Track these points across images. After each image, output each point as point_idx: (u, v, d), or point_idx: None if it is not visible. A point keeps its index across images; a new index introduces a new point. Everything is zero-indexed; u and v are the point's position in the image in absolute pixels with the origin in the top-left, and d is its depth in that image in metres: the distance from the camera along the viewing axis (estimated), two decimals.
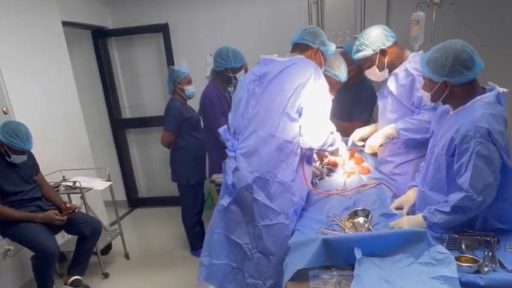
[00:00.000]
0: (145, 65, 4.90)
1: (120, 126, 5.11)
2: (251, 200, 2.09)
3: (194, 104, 3.67)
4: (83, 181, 3.45)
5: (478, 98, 1.72)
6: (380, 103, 2.58)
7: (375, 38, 2.34)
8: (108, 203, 4.19)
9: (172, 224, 4.42)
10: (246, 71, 3.31)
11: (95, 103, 4.92)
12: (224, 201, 2.19)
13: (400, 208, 2.05)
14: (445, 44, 1.74)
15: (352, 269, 1.53)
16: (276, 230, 2.07)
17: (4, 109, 3.15)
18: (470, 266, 1.48)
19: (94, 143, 4.45)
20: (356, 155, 2.71)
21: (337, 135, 2.31)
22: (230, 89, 3.42)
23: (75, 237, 3.32)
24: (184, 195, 3.77)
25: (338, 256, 1.62)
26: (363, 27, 3.46)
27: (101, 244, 3.59)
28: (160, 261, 3.87)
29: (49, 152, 3.54)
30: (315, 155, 2.57)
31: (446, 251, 1.52)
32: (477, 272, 1.47)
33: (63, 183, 3.46)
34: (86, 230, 3.21)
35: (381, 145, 2.48)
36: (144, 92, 5.01)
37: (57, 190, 3.40)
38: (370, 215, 1.97)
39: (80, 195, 3.44)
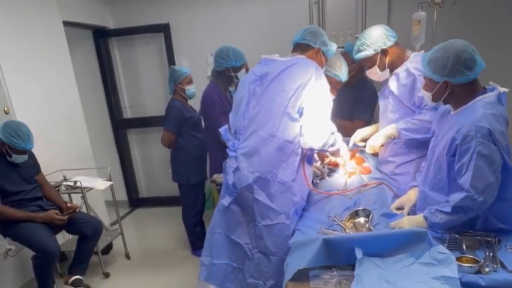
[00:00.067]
0: (147, 65, 4.90)
1: (121, 126, 5.11)
2: (252, 200, 2.08)
3: (195, 104, 3.67)
4: (84, 181, 3.46)
5: (479, 98, 1.72)
6: (381, 103, 2.57)
7: (376, 37, 2.34)
8: (109, 203, 4.19)
9: (173, 224, 4.42)
10: (247, 71, 3.31)
11: (96, 103, 4.92)
12: (225, 201, 2.19)
13: (400, 208, 2.05)
14: (446, 43, 1.74)
15: (353, 269, 1.53)
16: (277, 230, 2.07)
17: (5, 109, 3.15)
18: (471, 266, 1.47)
19: (95, 143, 4.45)
20: (357, 155, 2.71)
21: (338, 136, 2.30)
22: (231, 88, 3.42)
23: (76, 237, 3.33)
24: (185, 195, 3.77)
25: (339, 256, 1.62)
26: (364, 27, 3.45)
27: (101, 244, 3.60)
28: (161, 261, 3.87)
29: (50, 152, 3.54)
30: (315, 155, 2.56)
31: (447, 251, 1.52)
32: (478, 272, 1.46)
33: (64, 183, 3.46)
34: (86, 230, 3.21)
35: (382, 145, 2.47)
36: (145, 92, 5.01)
37: (58, 190, 3.40)
38: (371, 215, 1.96)
39: (81, 195, 3.45)
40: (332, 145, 2.22)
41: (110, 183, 3.67)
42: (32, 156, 3.12)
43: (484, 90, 1.76)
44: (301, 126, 2.11)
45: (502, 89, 1.73)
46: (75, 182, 3.43)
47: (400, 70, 2.36)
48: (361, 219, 1.96)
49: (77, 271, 3.27)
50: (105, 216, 4.31)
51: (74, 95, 4.05)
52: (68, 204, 3.21)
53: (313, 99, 2.09)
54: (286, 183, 2.09)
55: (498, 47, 3.73)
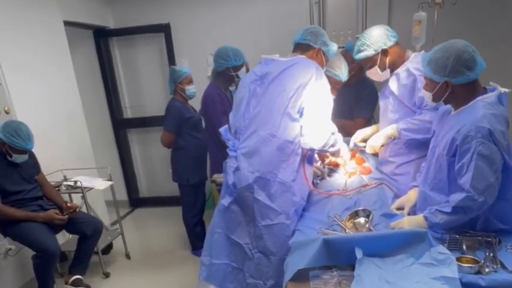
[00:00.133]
0: (147, 65, 4.90)
1: (122, 126, 5.11)
2: (252, 199, 2.08)
3: (196, 104, 3.67)
4: (84, 181, 3.46)
5: (479, 98, 1.72)
6: (381, 103, 2.57)
7: (377, 38, 2.33)
8: (109, 203, 4.19)
9: (173, 224, 4.42)
10: (247, 71, 3.31)
11: (97, 103, 4.93)
12: (225, 201, 2.19)
13: (401, 208, 2.04)
14: (446, 44, 1.74)
15: (353, 269, 1.53)
16: (277, 230, 2.07)
17: (6, 109, 3.16)
18: (471, 267, 1.47)
19: (95, 143, 4.46)
20: (357, 155, 2.71)
21: (339, 136, 2.30)
22: (232, 88, 3.42)
23: (76, 236, 3.33)
24: (185, 195, 3.77)
25: (339, 256, 1.61)
26: (365, 27, 3.45)
27: (101, 244, 3.60)
28: (161, 261, 3.87)
29: (50, 152, 3.54)
30: (316, 155, 2.56)
31: (447, 251, 1.51)
32: (478, 272, 1.46)
33: (65, 183, 3.46)
34: (86, 230, 3.21)
35: (382, 145, 2.47)
36: (145, 92, 5.02)
37: (59, 190, 3.40)
38: (371, 215, 1.96)
39: (81, 194, 3.45)
40: (332, 145, 2.22)
41: (110, 183, 3.67)
42: (32, 156, 3.12)
43: (485, 91, 1.76)
44: (301, 127, 2.11)
45: (503, 89, 1.73)
46: (75, 182, 3.44)
47: (401, 70, 2.36)
48: (361, 220, 1.96)
49: (77, 271, 3.27)
50: (105, 216, 4.31)
51: (75, 94, 4.06)
52: (68, 204, 3.22)
53: (314, 99, 2.09)
54: (286, 183, 2.09)
55: (498, 47, 3.73)
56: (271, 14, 4.32)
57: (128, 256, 3.95)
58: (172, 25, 4.57)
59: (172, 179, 3.76)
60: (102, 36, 4.76)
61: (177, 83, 3.54)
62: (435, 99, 1.82)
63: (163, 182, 5.11)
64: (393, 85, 2.39)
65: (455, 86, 1.72)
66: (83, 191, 3.41)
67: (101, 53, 4.79)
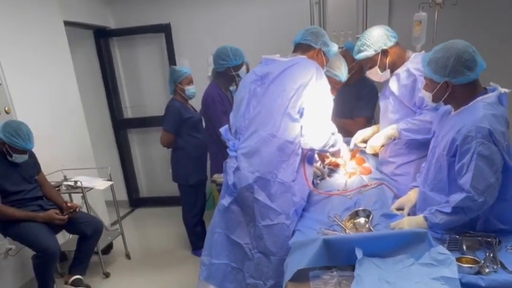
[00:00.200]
0: (147, 65, 4.90)
1: (122, 126, 5.12)
2: (252, 200, 2.08)
3: (197, 104, 3.67)
4: (84, 181, 3.46)
5: (479, 98, 1.71)
6: (382, 103, 2.57)
7: (377, 38, 2.33)
8: (109, 203, 4.19)
9: (173, 224, 4.42)
10: (247, 71, 3.31)
11: (97, 103, 4.93)
12: (225, 201, 2.19)
13: (401, 209, 2.04)
14: (446, 44, 1.74)
15: (353, 269, 1.53)
16: (277, 230, 2.07)
17: (6, 108, 3.16)
18: (471, 267, 1.47)
19: (96, 143, 4.46)
20: (357, 155, 2.71)
21: (339, 136, 2.30)
22: (232, 88, 3.42)
23: (76, 236, 3.33)
24: (185, 195, 3.77)
25: (339, 256, 1.61)
26: (365, 27, 3.46)
27: (101, 244, 3.60)
28: (161, 261, 3.87)
29: (50, 152, 3.54)
30: (316, 156, 2.56)
31: (447, 251, 1.51)
32: (478, 273, 1.46)
33: (65, 183, 3.46)
34: (87, 230, 3.21)
35: (383, 145, 2.47)
36: (146, 92, 5.02)
37: (59, 190, 3.40)
38: (371, 216, 1.96)
39: (81, 194, 3.45)
40: (332, 146, 2.22)
41: (110, 183, 3.67)
42: (32, 156, 3.12)
43: (485, 91, 1.76)
44: (301, 127, 2.11)
45: (503, 90, 1.72)
46: (75, 182, 3.44)
47: (401, 70, 2.36)
48: (361, 220, 1.96)
49: (77, 271, 3.27)
50: (105, 216, 4.31)
51: (75, 94, 4.06)
52: (68, 204, 3.22)
53: (314, 99, 2.09)
54: (286, 184, 2.09)
55: (499, 48, 3.73)
56: (272, 14, 4.32)
57: (128, 256, 3.95)
58: (172, 25, 4.57)
59: (172, 179, 3.76)
60: (102, 36, 4.76)
61: (177, 83, 3.54)
62: (435, 99, 1.82)
63: (163, 182, 5.11)
64: (393, 85, 2.39)
65: (455, 86, 1.72)
66: (83, 191, 3.41)
67: (101, 53, 4.79)
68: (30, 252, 3.01)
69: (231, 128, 2.33)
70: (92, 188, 3.50)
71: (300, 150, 2.14)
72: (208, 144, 3.54)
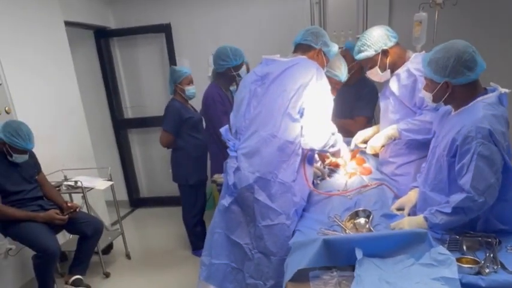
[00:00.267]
0: (148, 65, 4.90)
1: (122, 126, 5.12)
2: (252, 200, 2.08)
3: (197, 104, 3.67)
4: (85, 181, 3.46)
5: (479, 98, 1.71)
6: (382, 104, 2.57)
7: (377, 38, 2.33)
8: (109, 203, 4.19)
9: (174, 224, 4.42)
10: (248, 71, 3.31)
11: (97, 103, 4.93)
12: (225, 201, 2.19)
13: (401, 209, 2.04)
14: (446, 44, 1.74)
15: (353, 269, 1.53)
16: (277, 231, 2.07)
17: (6, 108, 3.16)
18: (471, 267, 1.47)
19: (96, 143, 4.46)
20: (357, 155, 2.71)
21: (339, 136, 2.30)
22: (232, 88, 3.42)
23: (77, 236, 3.33)
24: (185, 196, 3.77)
25: (339, 257, 1.61)
26: (365, 27, 3.46)
27: (102, 244, 3.60)
28: (161, 261, 3.87)
29: (51, 152, 3.55)
30: (316, 156, 2.56)
31: (447, 252, 1.51)
32: (478, 273, 1.46)
33: (65, 183, 3.46)
34: (87, 230, 3.21)
35: (383, 146, 2.47)
36: (146, 92, 5.02)
37: (59, 190, 3.40)
38: (371, 216, 1.96)
39: (82, 194, 3.45)
40: (333, 146, 2.22)
41: (110, 183, 3.67)
42: (32, 156, 3.12)
43: (485, 91, 1.75)
44: (301, 127, 2.11)
45: (503, 90, 1.72)
46: (75, 182, 3.44)
47: (401, 71, 2.36)
48: (362, 220, 1.96)
49: (78, 271, 3.27)
50: (105, 216, 4.31)
51: (75, 95, 4.06)
52: (69, 204, 3.22)
53: (314, 99, 2.09)
54: (286, 184, 2.09)
55: (499, 48, 3.73)
56: (272, 15, 4.32)
57: (128, 256, 3.95)
58: (173, 25, 4.58)
59: (172, 179, 3.76)
60: (102, 37, 4.77)
61: (177, 83, 3.54)
62: (435, 99, 1.82)
63: (163, 182, 5.11)
64: (394, 85, 2.39)
65: (455, 86, 1.72)
66: (84, 191, 3.41)
67: (101, 53, 4.80)
68: (30, 252, 3.01)
69: (231, 128, 2.33)
70: (92, 188, 3.50)
71: (300, 151, 2.14)
72: (209, 144, 3.54)
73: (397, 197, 2.20)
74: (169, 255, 3.98)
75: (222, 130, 2.26)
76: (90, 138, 4.27)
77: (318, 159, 2.67)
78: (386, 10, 3.93)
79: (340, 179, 2.56)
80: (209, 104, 3.34)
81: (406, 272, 1.51)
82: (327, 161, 2.72)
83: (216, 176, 3.07)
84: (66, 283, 3.24)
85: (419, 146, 2.31)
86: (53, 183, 3.36)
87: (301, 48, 2.32)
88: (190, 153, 3.61)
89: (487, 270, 1.46)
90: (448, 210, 1.65)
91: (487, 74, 1.75)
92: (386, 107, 2.51)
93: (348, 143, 2.62)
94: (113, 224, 4.46)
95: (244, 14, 4.40)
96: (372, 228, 1.89)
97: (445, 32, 3.04)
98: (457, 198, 1.63)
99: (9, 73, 3.18)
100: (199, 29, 4.54)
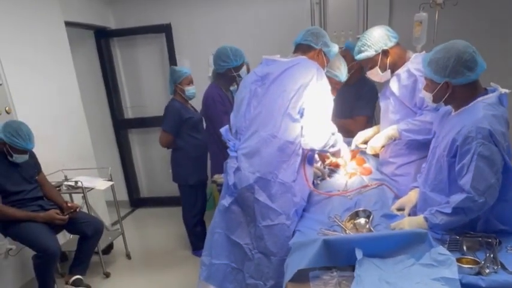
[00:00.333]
0: (148, 66, 4.91)
1: (123, 126, 5.12)
2: (252, 200, 2.08)
3: (197, 104, 3.66)
4: (85, 181, 3.46)
5: (480, 99, 1.71)
6: (382, 104, 2.57)
7: (377, 38, 2.33)
8: (109, 203, 4.19)
9: (174, 224, 4.42)
10: (248, 71, 3.31)
11: (98, 103, 4.93)
12: (225, 201, 2.19)
13: (401, 209, 2.04)
14: (447, 44, 1.74)
15: (353, 269, 1.53)
16: (277, 231, 2.07)
17: (7, 109, 3.16)
18: (471, 268, 1.47)
19: (96, 143, 4.46)
20: (358, 156, 2.71)
21: (339, 136, 2.30)
22: (233, 88, 3.42)
23: (77, 236, 3.33)
24: (184, 196, 3.77)
25: (339, 257, 1.61)
26: (366, 27, 3.45)
27: (102, 244, 3.60)
28: (161, 261, 3.87)
29: (51, 152, 3.55)
30: (316, 156, 2.56)
31: (447, 252, 1.51)
32: (478, 273, 1.46)
33: (65, 183, 3.46)
34: (87, 230, 3.21)
35: (383, 146, 2.47)
36: (146, 92, 5.02)
37: (59, 190, 3.40)
38: (371, 216, 1.96)
39: (82, 195, 3.45)
40: (333, 146, 2.22)
41: (110, 183, 3.68)
42: (32, 156, 3.13)
43: (485, 91, 1.75)
44: (302, 127, 2.11)
45: (503, 90, 1.72)
46: (76, 182, 3.44)
47: (401, 71, 2.36)
48: (362, 220, 1.96)
49: (78, 271, 3.27)
50: (105, 216, 4.32)
51: (76, 95, 4.06)
52: (69, 204, 3.22)
53: (314, 99, 2.09)
54: (287, 184, 2.09)
55: (499, 48, 3.73)
56: (272, 15, 4.32)
57: (128, 256, 3.95)
58: (173, 25, 4.58)
59: (172, 179, 3.77)
60: (103, 37, 4.77)
61: (176, 83, 3.54)
62: (435, 100, 1.82)
63: (163, 182, 5.11)
64: (394, 86, 2.39)
65: (455, 86, 1.72)
66: (84, 191, 3.41)
67: (101, 53, 4.80)
68: (30, 252, 3.01)
69: (232, 128, 2.33)
70: (92, 188, 3.50)
71: (300, 151, 2.14)
72: (209, 144, 3.54)
73: (397, 197, 2.20)
74: (170, 255, 3.98)
75: (222, 130, 2.25)
76: (90, 138, 4.27)
77: (318, 159, 2.67)
78: (387, 10, 3.93)
79: (340, 179, 2.56)
80: (209, 104, 3.34)
81: (406, 272, 1.51)
82: (327, 161, 2.72)
83: (216, 176, 3.07)
84: (67, 283, 3.24)
85: (420, 147, 2.31)
86: (53, 183, 3.36)
87: (301, 48, 2.32)
88: (190, 154, 3.61)
89: (487, 271, 1.46)
90: (448, 210, 1.65)
91: (487, 74, 1.75)
92: (386, 107, 2.51)
93: (349, 143, 2.62)
94: (113, 224, 4.46)
95: (244, 14, 4.40)
96: (372, 229, 1.89)
97: (445, 32, 3.04)
98: (457, 198, 1.63)
99: (10, 73, 3.18)
100: (200, 29, 4.54)
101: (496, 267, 1.48)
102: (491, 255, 1.55)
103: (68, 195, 3.56)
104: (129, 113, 5.14)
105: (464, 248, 1.62)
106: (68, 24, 3.96)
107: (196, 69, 4.25)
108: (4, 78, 3.14)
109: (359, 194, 2.28)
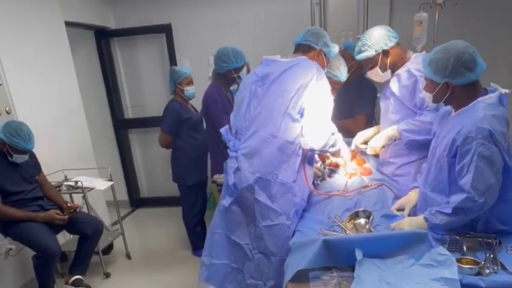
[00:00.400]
0: (148, 66, 4.91)
1: (123, 126, 5.12)
2: (252, 200, 2.08)
3: (197, 104, 3.66)
4: (85, 181, 3.46)
5: (480, 99, 1.71)
6: (382, 104, 2.57)
7: (378, 38, 2.33)
8: (109, 203, 4.19)
9: (174, 224, 4.42)
10: (248, 71, 3.31)
11: (98, 103, 4.93)
12: (225, 201, 2.19)
13: (401, 209, 2.04)
14: (447, 45, 1.74)
15: (353, 270, 1.53)
16: (277, 231, 2.07)
17: (7, 109, 3.16)
18: (471, 268, 1.47)
19: (96, 143, 4.46)
20: (358, 156, 2.71)
21: (339, 136, 2.30)
22: (233, 88, 3.42)
23: (77, 237, 3.33)
24: (184, 196, 3.77)
25: (339, 257, 1.61)
26: (366, 27, 3.45)
27: (102, 244, 3.60)
28: (161, 261, 3.87)
29: (51, 152, 3.55)
30: (316, 156, 2.56)
31: (447, 252, 1.51)
32: (478, 273, 1.46)
33: (65, 183, 3.46)
34: (87, 230, 3.21)
35: (383, 146, 2.47)
36: (146, 92, 5.02)
37: (59, 190, 3.40)
38: (371, 216, 1.96)
39: (82, 195, 3.45)
40: (333, 146, 2.22)
41: (110, 183, 3.67)
42: (32, 156, 3.12)
43: (485, 92, 1.75)
44: (302, 127, 2.11)
45: (503, 90, 1.72)
46: (76, 182, 3.44)
47: (402, 71, 2.36)
48: (362, 220, 1.96)
49: (78, 271, 3.27)
50: (106, 216, 4.31)
51: (76, 95, 4.06)
52: (69, 204, 3.22)
53: (314, 100, 2.09)
54: (287, 184, 2.09)
55: (499, 48, 3.73)
56: (273, 15, 4.32)
57: (128, 256, 3.95)
58: (173, 25, 4.58)
59: (172, 179, 3.77)
60: (103, 37, 4.77)
61: (176, 83, 3.54)
62: (435, 100, 1.82)
63: (163, 182, 5.11)
64: (394, 86, 2.39)
65: (455, 87, 1.72)
66: (84, 191, 3.41)
67: (102, 53, 4.80)
68: (30, 253, 3.01)
69: (232, 128, 2.33)
70: (92, 188, 3.50)
71: (300, 151, 2.14)
72: (209, 144, 3.54)
73: (397, 197, 2.20)
74: (170, 255, 3.98)
75: (222, 130, 2.25)
76: (90, 138, 4.27)
77: (318, 159, 2.67)
78: (387, 10, 3.93)
79: (340, 180, 2.55)
80: (209, 104, 3.34)
81: (406, 272, 1.51)
82: (327, 162, 2.72)
83: (216, 177, 3.07)
84: (67, 283, 3.24)
85: (420, 147, 2.31)
86: (53, 184, 3.36)
87: (301, 48, 2.32)
88: (189, 154, 3.61)
89: (487, 271, 1.46)
90: (448, 210, 1.65)
91: (487, 74, 1.75)
92: (386, 107, 2.51)
93: (349, 143, 2.62)
94: (113, 224, 4.46)
95: (244, 14, 4.40)
96: (372, 229, 1.89)
97: (445, 33, 3.04)
98: (457, 198, 1.63)
99: (10, 73, 3.18)
100: (200, 29, 4.54)
101: (496, 268, 1.48)
102: (491, 256, 1.55)
103: (68, 195, 3.56)
104: (129, 113, 5.15)
105: (464, 248, 1.62)
106: (68, 24, 3.96)
107: (196, 69, 4.25)
108: (4, 78, 3.14)
109: (359, 194, 2.28)
